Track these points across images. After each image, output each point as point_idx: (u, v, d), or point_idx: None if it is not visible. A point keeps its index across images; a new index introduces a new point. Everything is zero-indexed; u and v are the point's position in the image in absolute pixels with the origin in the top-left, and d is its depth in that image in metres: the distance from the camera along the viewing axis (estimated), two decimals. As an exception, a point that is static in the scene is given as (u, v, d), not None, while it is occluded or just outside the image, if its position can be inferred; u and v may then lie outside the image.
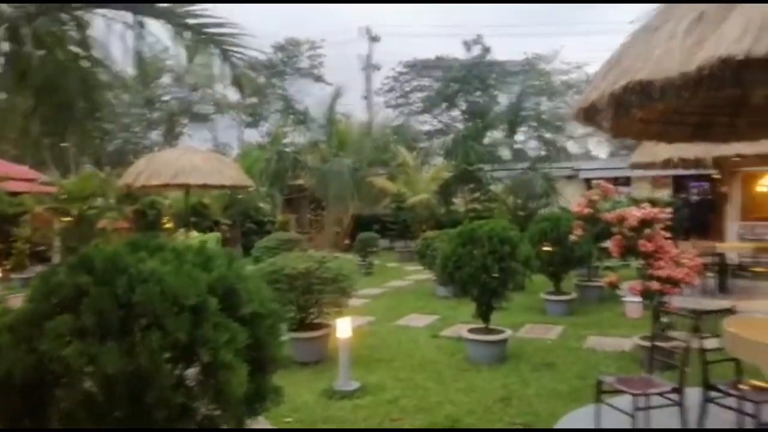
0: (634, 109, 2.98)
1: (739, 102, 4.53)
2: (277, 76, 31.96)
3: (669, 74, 2.61)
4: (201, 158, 13.48)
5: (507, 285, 6.43)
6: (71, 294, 2.24)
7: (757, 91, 2.50)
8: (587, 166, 21.48)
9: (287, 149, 18.84)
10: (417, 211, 18.64)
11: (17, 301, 9.39)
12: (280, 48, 32.45)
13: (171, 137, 30.75)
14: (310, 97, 27.84)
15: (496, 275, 6.25)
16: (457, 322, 8.08)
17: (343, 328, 5.40)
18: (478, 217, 12.41)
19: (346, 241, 19.32)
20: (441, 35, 63.32)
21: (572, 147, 32.43)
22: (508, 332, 6.67)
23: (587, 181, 19.06)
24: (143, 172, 12.87)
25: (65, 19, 3.69)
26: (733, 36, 2.42)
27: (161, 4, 4.01)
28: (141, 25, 3.85)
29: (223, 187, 13.88)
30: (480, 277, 6.24)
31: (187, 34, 4.06)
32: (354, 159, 17.90)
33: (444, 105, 35.57)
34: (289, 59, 32.93)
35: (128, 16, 3.80)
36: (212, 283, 2.47)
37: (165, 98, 31.07)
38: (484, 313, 6.57)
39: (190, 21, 4.00)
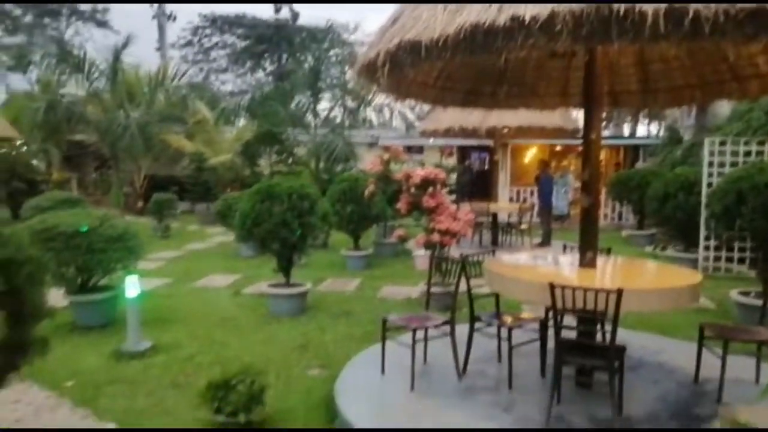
0: (407, 68, 3.23)
1: (501, 73, 5.19)
2: (50, 16, 27.64)
3: (433, 35, 2.89)
4: (-53, 102, 11.21)
5: (307, 239, 6.58)
6: None
7: (500, 55, 2.90)
8: (386, 135, 22.71)
9: (62, 99, 16.44)
10: (219, 172, 17.91)
11: None
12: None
13: None
14: (92, 43, 24.67)
15: (297, 230, 6.35)
16: (260, 280, 8.06)
17: (131, 286, 5.04)
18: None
19: (140, 204, 17.83)
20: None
21: (374, 118, 33.93)
22: (309, 285, 6.88)
23: (386, 148, 20.18)
24: None
25: None
26: (483, 7, 2.77)
27: None
28: None
29: (-21, 137, 11.75)
30: (279, 232, 6.28)
31: None
32: (143, 113, 16.37)
33: (249, 64, 34.42)
34: (66, -3, 28.67)
35: None
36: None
37: None
38: (284, 267, 6.66)
39: None
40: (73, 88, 18.09)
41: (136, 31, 23.76)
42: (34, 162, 17.12)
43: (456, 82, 5.09)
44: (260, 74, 34.93)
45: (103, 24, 30.65)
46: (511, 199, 16.93)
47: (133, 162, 17.54)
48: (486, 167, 20.78)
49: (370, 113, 34.13)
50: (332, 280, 8.53)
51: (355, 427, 3.55)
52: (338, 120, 21.30)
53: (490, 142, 12.68)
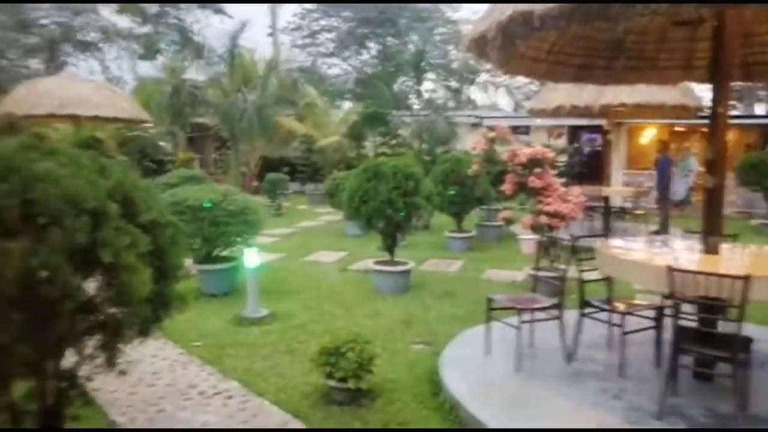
0: (519, 40, 3.16)
1: (616, 45, 4.92)
2: (172, 4, 29.64)
3: (547, 4, 2.80)
4: (89, 88, 12.54)
5: (411, 219, 6.69)
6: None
7: (618, 24, 2.75)
8: (490, 115, 22.24)
9: (186, 83, 17.73)
10: (327, 153, 18.55)
11: None
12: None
13: (53, 66, 27.96)
14: (210, 29, 26.21)
15: (402, 209, 6.47)
16: (365, 257, 8.32)
17: (251, 257, 5.42)
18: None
19: (254, 183, 18.91)
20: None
21: (479, 98, 33.36)
22: (412, 264, 7.00)
23: (491, 128, 19.82)
24: (25, 100, 11.78)
25: None
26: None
27: None
28: None
29: (117, 120, 13.04)
30: (385, 210, 6.43)
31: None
32: (259, 96, 17.28)
33: (354, 47, 35.03)
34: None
35: None
36: (110, 189, 2.42)
37: (43, 22, 28.01)
38: (389, 246, 6.83)
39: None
40: (194, 74, 19.46)
41: (250, 16, 24.96)
42: (162, 143, 18.64)
43: (568, 56, 4.90)
44: (365, 56, 35.44)
45: (219, 11, 32.49)
46: (625, 183, 16.01)
47: (249, 143, 18.60)
48: (597, 148, 19.77)
49: (474, 93, 33.59)
50: (435, 260, 8.60)
51: (462, 406, 3.60)
52: (441, 101, 21.23)
53: (602, 122, 12.03)
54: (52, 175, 2.23)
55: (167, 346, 4.79)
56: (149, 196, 2.60)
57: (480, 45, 3.55)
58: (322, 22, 34.93)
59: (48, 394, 2.55)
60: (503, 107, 33.68)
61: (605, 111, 10.60)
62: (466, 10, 32.65)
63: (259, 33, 35.28)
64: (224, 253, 6.60)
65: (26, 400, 2.55)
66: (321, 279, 7.38)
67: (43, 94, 11.70)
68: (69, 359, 2.58)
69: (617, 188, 12.94)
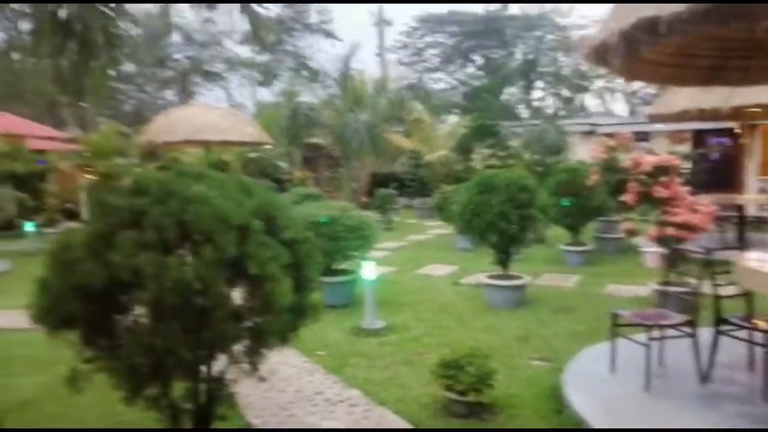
0: (644, 47, 3.04)
1: (751, 44, 4.54)
2: (287, 33, 31.58)
3: (676, 8, 2.67)
4: (218, 115, 13.64)
5: (525, 232, 6.58)
6: (129, 215, 2.46)
7: (762, 23, 2.54)
8: (605, 122, 21.22)
9: (302, 106, 18.81)
10: (434, 167, 18.70)
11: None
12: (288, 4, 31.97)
13: (185, 96, 30.81)
14: (322, 53, 27.59)
15: (515, 223, 6.38)
16: (476, 271, 8.29)
17: (369, 270, 5.63)
18: (496, 172, 12.50)
19: (364, 199, 19.50)
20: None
21: (592, 104, 31.99)
22: (527, 278, 6.87)
23: (606, 136, 18.91)
24: (162, 129, 13.09)
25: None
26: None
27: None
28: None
29: (242, 143, 14.08)
30: (498, 224, 6.39)
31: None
32: (369, 115, 17.90)
33: (459, 61, 35.10)
34: (298, 14, 32.52)
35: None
36: (254, 208, 2.68)
37: (176, 56, 31.03)
38: (502, 260, 6.76)
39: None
40: (308, 96, 20.56)
41: (358, 38, 25.97)
42: (280, 163, 19.84)
43: (696, 58, 4.60)
44: (470, 69, 35.36)
45: (329, 34, 34.06)
46: (760, 191, 14.56)
47: (360, 160, 19.25)
48: (727, 154, 18.17)
49: (587, 99, 32.24)
50: (550, 274, 8.37)
51: (590, 427, 3.50)
52: (550, 109, 20.65)
53: (732, 125, 11.07)
54: (204, 197, 2.52)
55: (293, 354, 5.09)
56: (288, 215, 2.84)
57: (600, 53, 3.48)
58: (428, 39, 35.42)
59: (201, 394, 2.85)
60: (618, 113, 32.01)
61: (737, 113, 9.78)
62: (575, 16, 31.66)
63: (367, 53, 36.59)
64: (342, 266, 6.89)
65: (183, 400, 2.86)
66: (433, 292, 7.46)
67: (178, 122, 12.95)
68: (218, 363, 2.86)
69: (753, 196, 11.79)
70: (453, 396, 3.76)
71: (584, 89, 28.46)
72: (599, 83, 29.92)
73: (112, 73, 3.82)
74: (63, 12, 3.69)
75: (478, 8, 33.74)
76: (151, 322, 2.58)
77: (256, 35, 4.85)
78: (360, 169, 20.17)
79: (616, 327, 4.20)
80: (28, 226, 11.66)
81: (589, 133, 20.32)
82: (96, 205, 2.58)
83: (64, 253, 2.48)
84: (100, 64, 3.91)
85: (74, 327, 2.58)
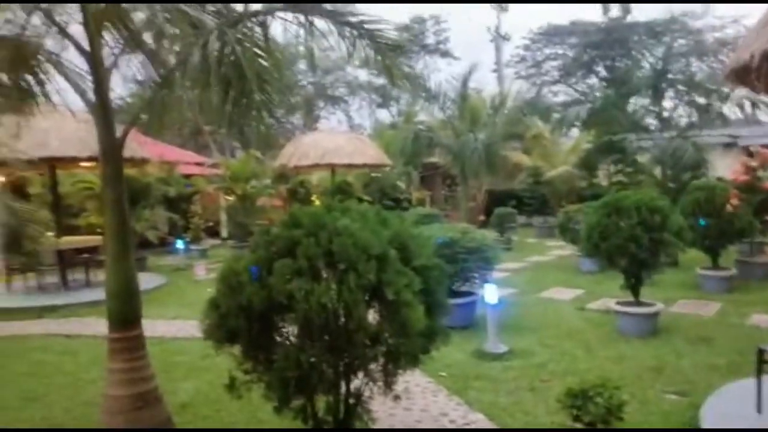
0: None
1: None
2: (404, 56, 32.48)
3: None
4: (344, 140, 14.45)
5: (657, 256, 6.28)
6: (286, 244, 2.82)
7: None
8: (748, 133, 19.36)
9: (420, 127, 19.24)
10: (555, 185, 18.18)
11: (201, 269, 10.76)
12: (405, 28, 32.88)
13: (310, 120, 32.72)
14: (438, 72, 28.00)
15: (645, 247, 6.12)
16: (603, 296, 8.00)
17: (491, 293, 5.69)
18: (624, 190, 11.92)
19: (481, 217, 19.42)
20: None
21: (730, 112, 29.30)
22: (660, 305, 6.53)
23: (748, 149, 17.25)
24: (294, 154, 14.10)
25: (253, 22, 4.28)
26: None
27: (326, 4, 4.47)
28: (311, 24, 4.34)
29: (365, 166, 14.74)
30: (628, 247, 6.15)
31: (348, 30, 4.49)
32: (487, 134, 17.88)
33: (580, 73, 33.84)
34: (415, 37, 33.33)
35: (301, 17, 4.31)
36: (390, 237, 2.93)
37: (302, 83, 33.08)
38: (632, 285, 6.48)
39: (352, 19, 4.42)
40: (424, 116, 20.96)
41: (474, 55, 26.05)
42: (398, 182, 20.39)
43: None
44: (592, 80, 33.95)
45: (445, 54, 34.44)
46: None
47: (476, 179, 19.24)
48: None
49: (726, 108, 29.59)
50: (685, 301, 7.86)
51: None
52: (683, 120, 19.22)
53: None
54: (349, 230, 2.81)
55: (416, 374, 5.26)
56: (420, 243, 3.05)
57: (741, 74, 3.34)
58: (547, 51, 34.58)
59: (340, 409, 3.13)
60: (765, 120, 29.00)
61: None
62: (710, 17, 29.30)
63: (484, 69, 36.58)
64: (463, 287, 6.99)
65: (325, 413, 3.15)
66: (558, 317, 7.31)
67: (309, 147, 13.92)
68: (356, 382, 3.12)
69: None
70: (580, 426, 3.72)
71: (723, 97, 26.14)
72: (741, 91, 27.37)
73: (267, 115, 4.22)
74: (215, 44, 4.07)
75: (599, 17, 32.43)
76: (299, 340, 2.90)
77: (387, 72, 5.01)
78: (476, 188, 20.12)
79: (763, 363, 3.91)
80: (179, 243, 13.06)
81: (730, 145, 18.70)
82: (259, 235, 2.96)
83: (231, 277, 2.88)
84: (256, 104, 4.31)
85: (237, 342, 2.97)
